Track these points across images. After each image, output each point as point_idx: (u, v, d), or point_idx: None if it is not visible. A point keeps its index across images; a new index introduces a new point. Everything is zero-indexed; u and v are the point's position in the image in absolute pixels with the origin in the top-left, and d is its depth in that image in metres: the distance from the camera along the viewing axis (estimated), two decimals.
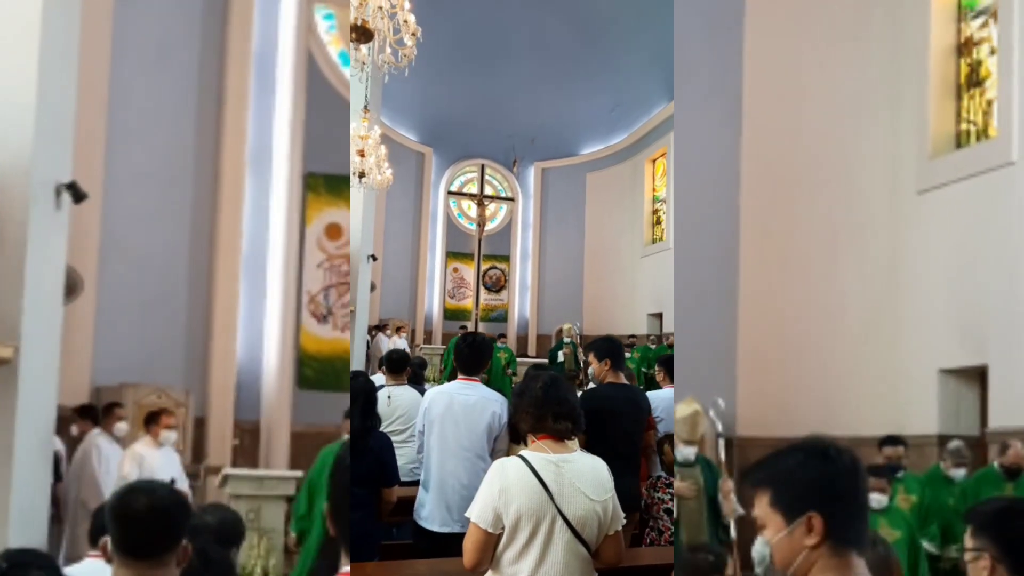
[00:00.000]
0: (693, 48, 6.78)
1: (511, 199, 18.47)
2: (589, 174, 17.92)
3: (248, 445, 8.08)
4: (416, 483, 3.76)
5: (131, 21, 7.91)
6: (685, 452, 4.31)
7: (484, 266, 18.16)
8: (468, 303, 18.01)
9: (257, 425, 8.25)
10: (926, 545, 4.38)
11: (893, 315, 6.41)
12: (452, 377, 3.95)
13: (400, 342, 12.29)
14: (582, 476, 2.31)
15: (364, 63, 6.02)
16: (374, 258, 12.71)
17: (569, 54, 15.67)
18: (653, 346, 13.10)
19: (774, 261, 6.66)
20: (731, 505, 3.95)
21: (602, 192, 17.68)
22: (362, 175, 9.66)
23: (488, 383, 3.97)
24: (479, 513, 2.27)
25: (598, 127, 17.36)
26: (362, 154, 9.49)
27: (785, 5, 6.84)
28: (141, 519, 1.64)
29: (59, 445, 5.33)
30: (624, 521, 2.40)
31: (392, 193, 14.84)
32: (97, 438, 5.42)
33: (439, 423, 3.50)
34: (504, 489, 2.25)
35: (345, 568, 2.11)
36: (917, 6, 6.62)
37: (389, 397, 4.69)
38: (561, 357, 11.92)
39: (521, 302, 18.22)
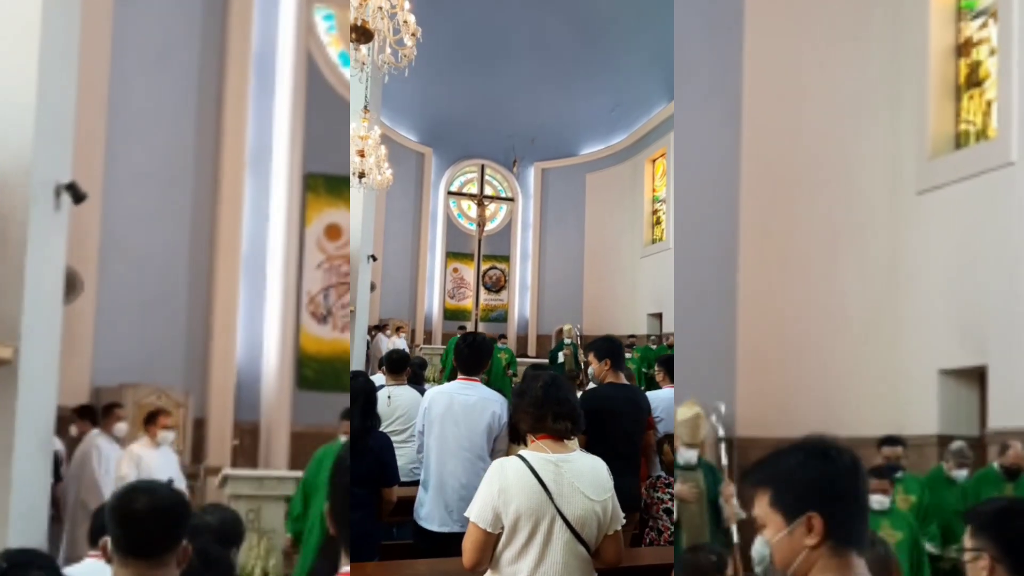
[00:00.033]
0: (693, 48, 6.78)
1: (511, 199, 18.47)
2: (589, 174, 17.92)
3: (248, 445, 8.08)
4: (416, 483, 3.76)
5: (131, 21, 7.91)
6: (687, 455, 4.26)
7: (484, 266, 18.17)
8: (468, 303, 18.01)
9: (257, 425, 8.25)
10: (927, 546, 4.37)
11: (893, 315, 6.41)
12: (452, 377, 3.95)
13: (399, 342, 12.29)
14: (581, 476, 2.31)
15: (364, 63, 6.02)
16: (374, 258, 12.72)
17: (569, 54, 15.68)
18: (654, 346, 13.10)
19: (774, 261, 6.66)
20: (733, 509, 3.92)
21: (602, 192, 17.68)
22: (362, 175, 9.66)
23: (488, 383, 3.97)
24: (478, 513, 2.27)
25: (598, 127, 17.36)
26: (362, 154, 9.50)
27: (785, 5, 6.84)
28: (141, 519, 1.64)
29: (59, 445, 5.33)
30: (624, 521, 2.40)
31: (392, 193, 14.84)
32: (97, 438, 5.42)
33: (439, 423, 3.50)
34: (503, 489, 2.25)
35: (345, 568, 2.11)
36: (917, 7, 6.62)
37: (389, 397, 4.69)
38: (561, 358, 11.92)
39: (521, 302, 18.23)
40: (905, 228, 6.48)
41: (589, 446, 3.37)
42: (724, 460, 4.02)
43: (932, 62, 6.54)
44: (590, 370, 4.09)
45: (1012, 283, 5.64)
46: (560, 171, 18.13)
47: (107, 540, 1.68)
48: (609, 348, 3.94)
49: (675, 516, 4.06)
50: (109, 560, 1.67)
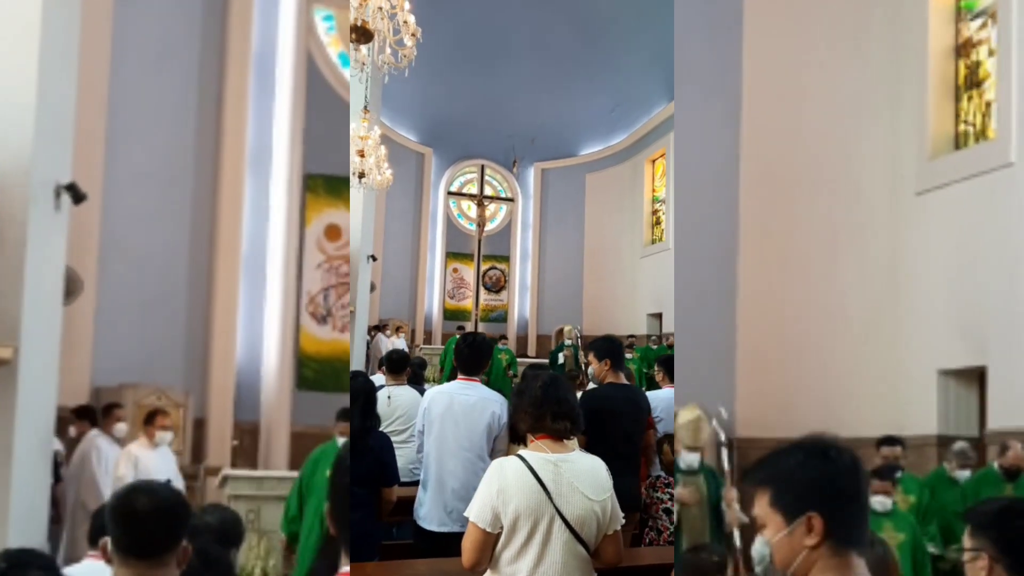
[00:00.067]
0: (693, 48, 6.78)
1: (511, 199, 18.48)
2: (589, 174, 17.93)
3: (247, 446, 8.08)
4: (416, 483, 3.76)
5: (131, 21, 7.92)
6: (688, 459, 4.21)
7: (484, 266, 18.17)
8: (468, 303, 18.01)
9: (256, 426, 8.25)
10: (929, 547, 4.36)
11: (893, 316, 6.42)
12: (452, 377, 3.95)
13: (399, 342, 12.29)
14: (581, 476, 2.31)
15: (364, 63, 6.02)
16: (374, 258, 12.72)
17: (569, 54, 15.68)
18: (654, 347, 13.10)
19: (774, 261, 6.66)
20: (735, 514, 3.88)
21: (602, 192, 17.68)
22: (362, 175, 9.66)
23: (489, 384, 3.97)
24: (477, 512, 2.27)
25: (598, 127, 17.37)
26: (362, 154, 9.50)
27: (785, 5, 6.85)
28: (142, 519, 1.64)
29: (58, 446, 5.32)
30: (623, 521, 2.40)
31: (392, 193, 14.84)
32: (96, 439, 5.41)
33: (439, 423, 3.50)
34: (502, 489, 2.25)
35: (345, 568, 2.10)
36: (916, 7, 6.63)
37: (389, 397, 4.69)
38: (561, 359, 11.91)
39: (521, 302, 18.23)
40: (905, 228, 6.48)
41: (589, 446, 3.37)
42: (726, 464, 3.99)
43: (932, 63, 6.54)
44: (590, 370, 4.09)
45: (1012, 283, 5.64)
46: (560, 171, 18.14)
47: (107, 540, 1.68)
48: (609, 348, 3.94)
49: (675, 517, 4.05)
50: (109, 560, 1.67)
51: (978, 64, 6.51)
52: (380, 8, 5.55)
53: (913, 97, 6.59)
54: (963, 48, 6.61)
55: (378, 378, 5.33)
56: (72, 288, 6.72)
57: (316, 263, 8.90)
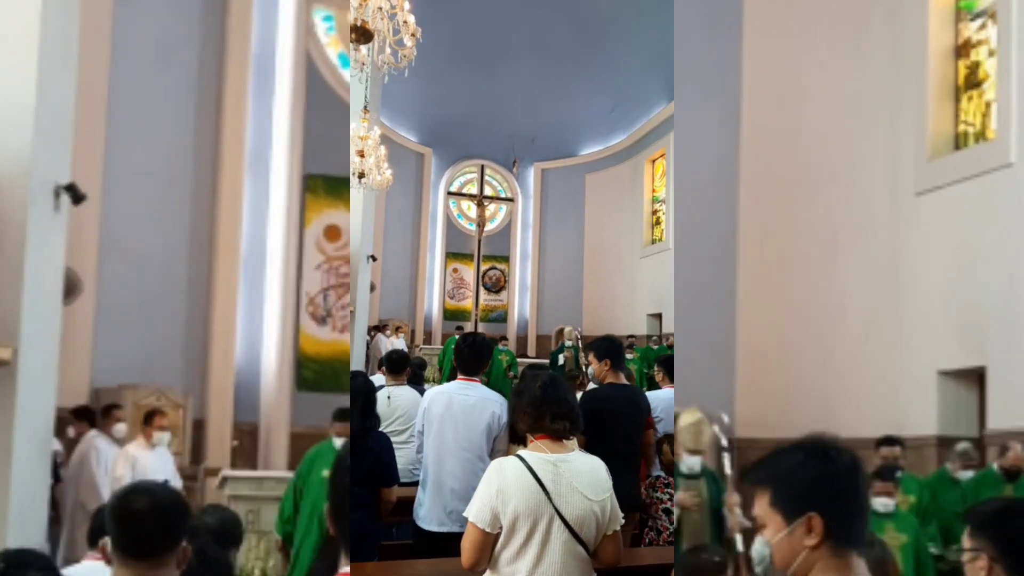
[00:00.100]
0: (693, 48, 6.78)
1: (511, 200, 18.48)
2: (589, 175, 17.93)
3: (247, 447, 8.08)
4: (416, 483, 3.76)
5: (131, 21, 7.91)
6: (690, 462, 4.16)
7: (484, 267, 18.17)
8: (468, 304, 18.01)
9: (256, 427, 8.24)
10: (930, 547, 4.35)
11: (892, 316, 6.42)
12: (451, 378, 3.95)
13: (398, 343, 12.29)
14: (580, 476, 2.31)
15: (364, 64, 6.02)
16: (374, 258, 12.72)
17: (569, 54, 15.68)
18: (655, 347, 13.09)
19: (774, 261, 6.66)
20: (737, 519, 3.83)
21: (602, 193, 17.69)
22: (362, 175, 9.66)
23: (489, 385, 3.97)
24: (477, 513, 2.27)
25: (598, 128, 17.37)
26: (362, 154, 9.50)
27: (785, 6, 6.85)
28: (141, 519, 1.64)
29: (57, 446, 5.32)
30: (623, 521, 2.40)
31: (392, 193, 14.84)
32: (96, 440, 5.41)
33: (438, 423, 3.50)
34: (501, 489, 2.25)
35: (345, 568, 2.10)
36: (916, 7, 6.63)
37: (389, 397, 4.69)
38: (562, 360, 11.90)
39: (521, 303, 18.23)
40: (905, 229, 6.48)
41: (589, 446, 3.37)
42: (728, 469, 3.95)
43: (931, 63, 6.54)
44: (590, 370, 4.08)
45: (1011, 284, 5.64)
46: (560, 171, 18.14)
47: (107, 541, 1.68)
48: (609, 348, 3.94)
49: (674, 517, 4.04)
50: (109, 561, 1.67)
51: (978, 64, 6.51)
52: (380, 8, 5.55)
53: (913, 97, 6.59)
54: (963, 48, 6.61)
55: (378, 378, 5.32)
56: (71, 289, 6.73)
57: (316, 264, 8.90)
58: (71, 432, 5.77)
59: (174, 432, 6.68)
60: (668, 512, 4.06)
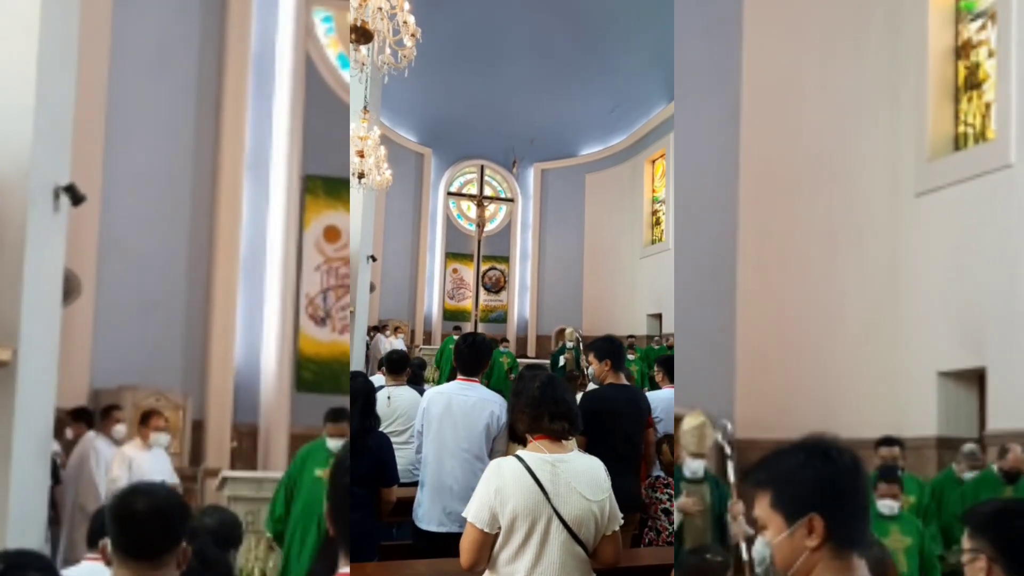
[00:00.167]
0: (693, 48, 6.79)
1: (511, 200, 18.48)
2: (588, 175, 17.93)
3: (246, 448, 8.07)
4: (416, 484, 3.75)
5: (130, 22, 7.91)
6: (692, 466, 4.10)
7: (483, 267, 18.17)
8: (467, 304, 18.01)
9: (255, 428, 8.24)
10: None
11: (892, 317, 6.42)
12: (450, 378, 3.94)
13: (398, 343, 12.29)
14: (578, 476, 2.31)
15: (364, 64, 6.02)
16: (373, 259, 12.71)
17: (569, 54, 15.69)
18: (656, 347, 13.08)
19: (774, 262, 6.67)
20: (741, 527, 3.79)
21: (601, 193, 17.69)
22: (362, 176, 9.66)
23: (490, 387, 3.96)
24: (475, 513, 2.27)
25: (597, 128, 17.38)
26: (362, 155, 9.50)
27: (785, 6, 6.86)
28: (141, 520, 1.64)
29: (56, 448, 5.31)
30: (622, 521, 2.39)
31: (392, 194, 14.84)
32: (95, 441, 5.40)
33: (437, 423, 3.50)
34: (500, 489, 2.25)
35: (345, 568, 2.10)
36: (916, 8, 6.63)
37: (389, 398, 4.68)
38: (562, 361, 11.90)
39: (520, 303, 18.23)
40: (904, 229, 6.48)
41: (589, 447, 3.37)
42: (731, 476, 3.91)
43: (931, 64, 6.54)
44: (590, 371, 4.08)
45: (1011, 285, 5.64)
46: (560, 172, 18.14)
47: (106, 542, 1.67)
48: (609, 348, 3.93)
49: (673, 517, 4.03)
50: (109, 562, 1.67)
51: (977, 65, 6.51)
52: (380, 8, 5.54)
53: (913, 98, 6.59)
54: (963, 49, 6.61)
55: (378, 379, 5.32)
56: (71, 290, 6.73)
57: (315, 265, 8.89)
58: (69, 434, 5.76)
59: (173, 433, 6.68)
60: (667, 512, 4.05)
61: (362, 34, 5.48)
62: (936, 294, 6.17)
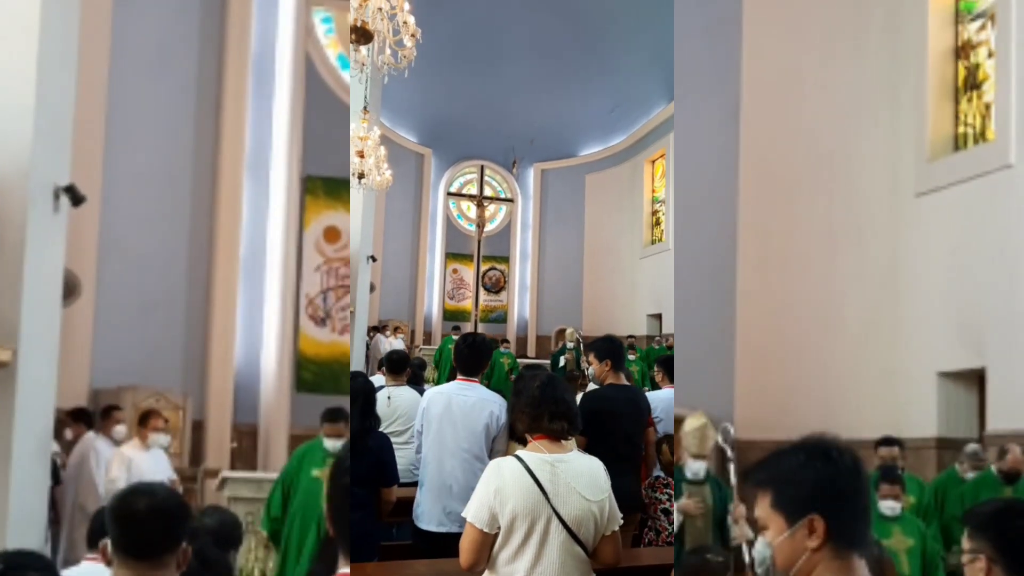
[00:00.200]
0: (693, 48, 6.79)
1: (510, 200, 18.48)
2: (588, 175, 17.94)
3: (246, 448, 8.07)
4: (416, 484, 3.75)
5: (130, 23, 7.91)
6: (694, 468, 4.08)
7: (483, 267, 18.17)
8: (467, 304, 18.01)
9: (255, 428, 8.24)
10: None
11: (892, 317, 6.42)
12: (449, 378, 3.94)
13: (398, 343, 12.29)
14: (578, 476, 2.31)
15: (364, 64, 6.02)
16: (374, 259, 12.71)
17: (568, 55, 15.69)
18: (657, 347, 13.08)
19: (773, 262, 6.66)
20: (743, 530, 3.76)
21: (601, 193, 17.70)
22: (362, 176, 9.66)
23: (491, 388, 3.96)
24: (475, 513, 2.27)
25: (597, 128, 17.38)
26: (361, 155, 9.50)
27: (784, 6, 6.86)
28: (142, 520, 1.64)
29: (56, 448, 5.31)
30: (621, 521, 2.39)
31: (392, 194, 14.84)
32: (95, 441, 5.40)
33: (437, 423, 3.49)
34: (499, 489, 2.25)
35: (345, 569, 2.10)
36: (916, 8, 6.63)
37: (389, 398, 4.68)
38: (563, 362, 11.89)
39: (520, 303, 18.23)
40: (904, 229, 6.49)
41: (589, 447, 3.37)
42: (733, 479, 3.90)
43: (931, 64, 6.54)
44: (590, 371, 4.07)
45: (1011, 285, 5.64)
46: (559, 172, 18.15)
47: (107, 542, 1.67)
48: (610, 348, 3.93)
49: (673, 517, 4.02)
50: (109, 562, 1.67)
51: (977, 66, 6.51)
52: (380, 9, 5.55)
53: (913, 98, 6.59)
54: (962, 50, 6.62)
55: (378, 379, 5.32)
56: (71, 290, 6.73)
57: (315, 265, 8.89)
58: (68, 434, 5.75)
59: (173, 434, 6.68)
60: (667, 512, 4.05)
61: (362, 34, 5.49)
62: (936, 294, 6.17)
